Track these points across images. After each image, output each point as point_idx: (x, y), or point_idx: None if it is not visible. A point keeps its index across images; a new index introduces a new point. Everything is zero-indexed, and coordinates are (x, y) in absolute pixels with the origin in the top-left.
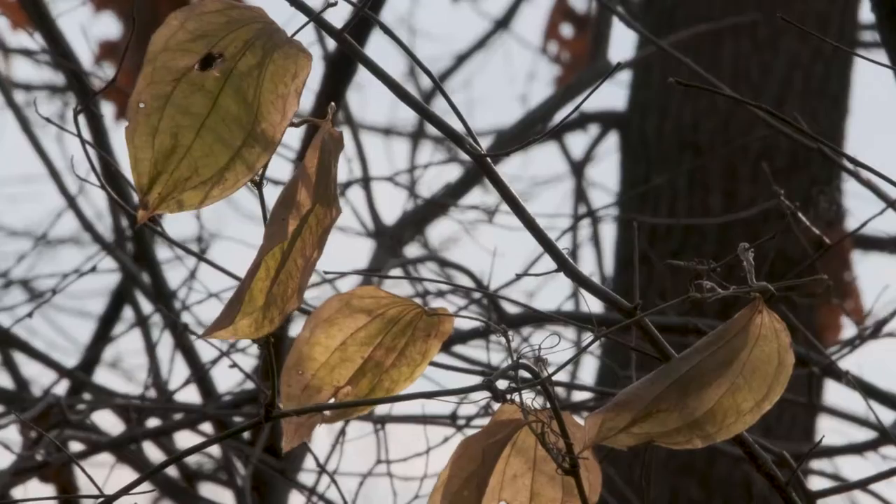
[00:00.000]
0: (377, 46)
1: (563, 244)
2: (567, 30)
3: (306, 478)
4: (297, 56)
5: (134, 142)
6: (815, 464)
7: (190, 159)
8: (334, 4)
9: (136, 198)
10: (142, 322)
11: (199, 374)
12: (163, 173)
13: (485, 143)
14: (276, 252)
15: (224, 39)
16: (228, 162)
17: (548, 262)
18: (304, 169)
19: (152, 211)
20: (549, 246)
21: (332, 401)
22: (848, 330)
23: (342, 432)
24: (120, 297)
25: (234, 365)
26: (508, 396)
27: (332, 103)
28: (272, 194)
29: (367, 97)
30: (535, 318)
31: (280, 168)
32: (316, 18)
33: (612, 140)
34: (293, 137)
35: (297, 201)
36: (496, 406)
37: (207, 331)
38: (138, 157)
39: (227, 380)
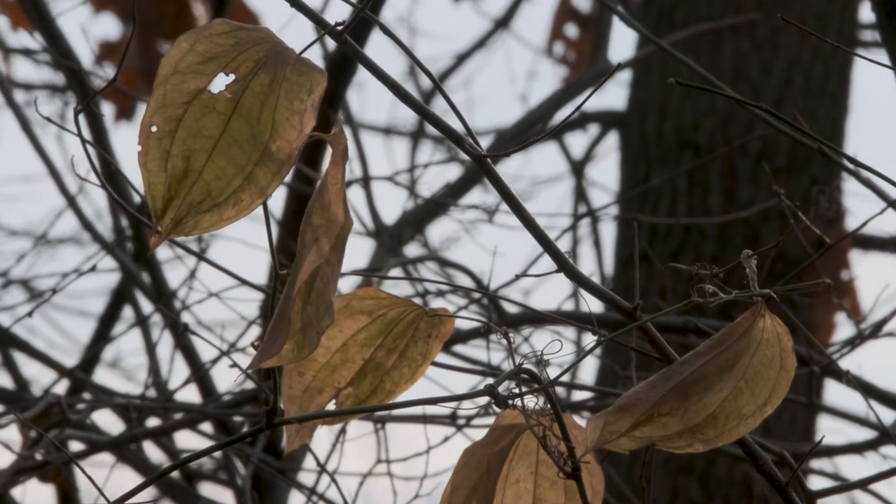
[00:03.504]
0: (377, 46)
1: (563, 244)
2: (572, 30)
3: (306, 478)
4: (312, 72)
5: (147, 166)
6: (815, 464)
7: (202, 183)
8: (341, 24)
9: (136, 197)
10: (142, 322)
11: (199, 374)
12: (175, 198)
13: (485, 143)
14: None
15: (234, 60)
16: (242, 183)
17: (548, 262)
18: (326, 188)
19: (166, 236)
20: (548, 246)
21: (332, 402)
22: (842, 329)
23: (342, 432)
24: (120, 297)
25: (234, 365)
26: (510, 401)
27: (339, 115)
28: (272, 196)
29: (367, 97)
30: (535, 318)
31: None
32: (329, 31)
33: (612, 140)
34: None
35: (324, 222)
36: (497, 408)
37: (254, 362)
38: (151, 182)
39: (227, 380)
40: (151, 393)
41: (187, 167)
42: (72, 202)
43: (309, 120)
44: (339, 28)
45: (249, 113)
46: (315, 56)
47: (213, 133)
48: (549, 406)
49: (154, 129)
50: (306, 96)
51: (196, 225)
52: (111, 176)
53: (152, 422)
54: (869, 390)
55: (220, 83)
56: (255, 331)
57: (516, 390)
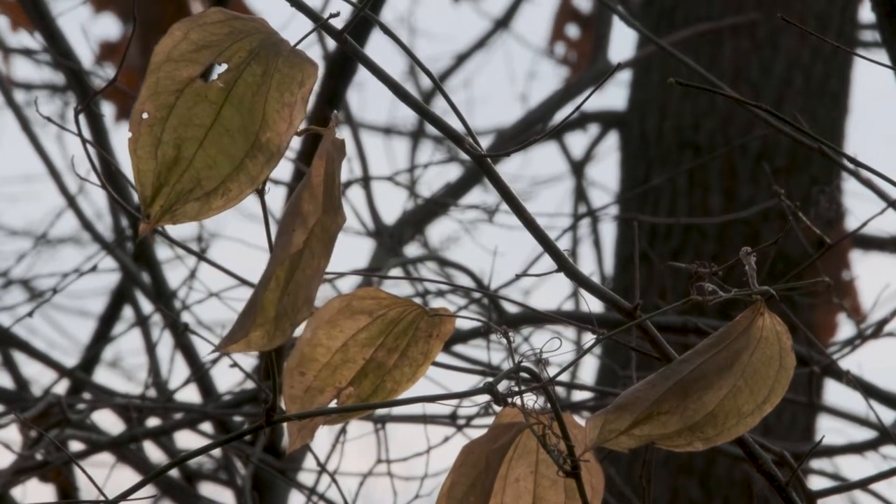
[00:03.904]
0: (377, 46)
1: (563, 244)
2: (573, 30)
3: (306, 478)
4: (304, 64)
5: (137, 153)
6: (815, 464)
7: (192, 171)
8: (337, 15)
9: (136, 197)
10: (142, 322)
11: (199, 374)
12: (165, 186)
13: (485, 143)
14: (286, 262)
15: (228, 50)
16: (232, 173)
17: (548, 262)
18: (311, 178)
19: (154, 223)
20: (548, 246)
21: (334, 402)
22: (843, 329)
23: (342, 432)
24: (120, 297)
25: (235, 365)
26: (510, 399)
27: (335, 111)
28: (272, 195)
29: (367, 97)
30: (535, 318)
31: (280, 168)
32: (322, 24)
33: (612, 140)
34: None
35: (305, 211)
36: (497, 407)
37: (221, 344)
38: (141, 169)
39: (227, 380)
40: (151, 393)
41: (178, 155)
42: (72, 202)
43: (299, 113)
44: (336, 20)
45: (241, 103)
46: (314, 54)
47: (205, 122)
48: (548, 405)
49: (145, 115)
50: (297, 89)
51: (185, 213)
52: (111, 176)
53: (152, 422)
54: (869, 390)
55: (212, 72)
56: None
57: (516, 389)
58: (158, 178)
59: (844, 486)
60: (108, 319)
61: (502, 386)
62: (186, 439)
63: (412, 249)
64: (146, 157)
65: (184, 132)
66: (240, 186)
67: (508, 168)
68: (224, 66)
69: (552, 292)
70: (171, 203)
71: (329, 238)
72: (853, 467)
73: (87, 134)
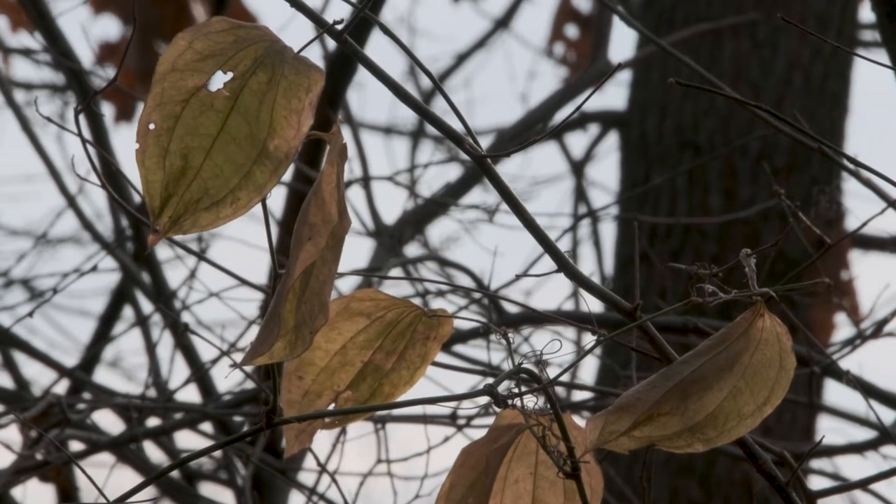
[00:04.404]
0: (377, 46)
1: (563, 244)
2: (572, 30)
3: (306, 478)
4: (309, 70)
5: (145, 164)
6: (815, 464)
7: (200, 181)
8: (340, 22)
9: (136, 197)
10: (142, 322)
11: (199, 374)
12: (173, 196)
13: (485, 143)
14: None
15: (233, 58)
16: (240, 181)
17: (548, 262)
18: (321, 186)
19: (164, 234)
20: (549, 246)
21: (332, 405)
22: (842, 329)
23: (342, 432)
24: (120, 297)
25: (235, 364)
26: (510, 401)
27: (339, 115)
28: (273, 196)
29: (367, 96)
30: (535, 318)
31: None
32: (327, 30)
33: (612, 140)
34: None
35: (318, 220)
36: (497, 407)
37: (245, 359)
38: (149, 180)
39: (227, 380)
40: (151, 393)
41: (185, 165)
42: (72, 202)
43: (307, 119)
44: (338, 26)
45: (247, 111)
46: (315, 56)
47: (211, 131)
48: (548, 406)
49: (152, 126)
50: (304, 95)
51: (194, 223)
52: (111, 176)
53: (152, 422)
54: (869, 390)
55: (218, 81)
56: (255, 331)
57: (516, 390)
58: (167, 188)
59: (844, 486)
60: (108, 319)
61: (502, 387)
62: (186, 439)
63: (412, 249)
64: (154, 168)
65: (191, 142)
66: (248, 194)
67: (508, 168)
68: (229, 75)
69: (552, 292)
70: (180, 213)
71: (337, 242)
72: (853, 467)
73: (87, 134)
